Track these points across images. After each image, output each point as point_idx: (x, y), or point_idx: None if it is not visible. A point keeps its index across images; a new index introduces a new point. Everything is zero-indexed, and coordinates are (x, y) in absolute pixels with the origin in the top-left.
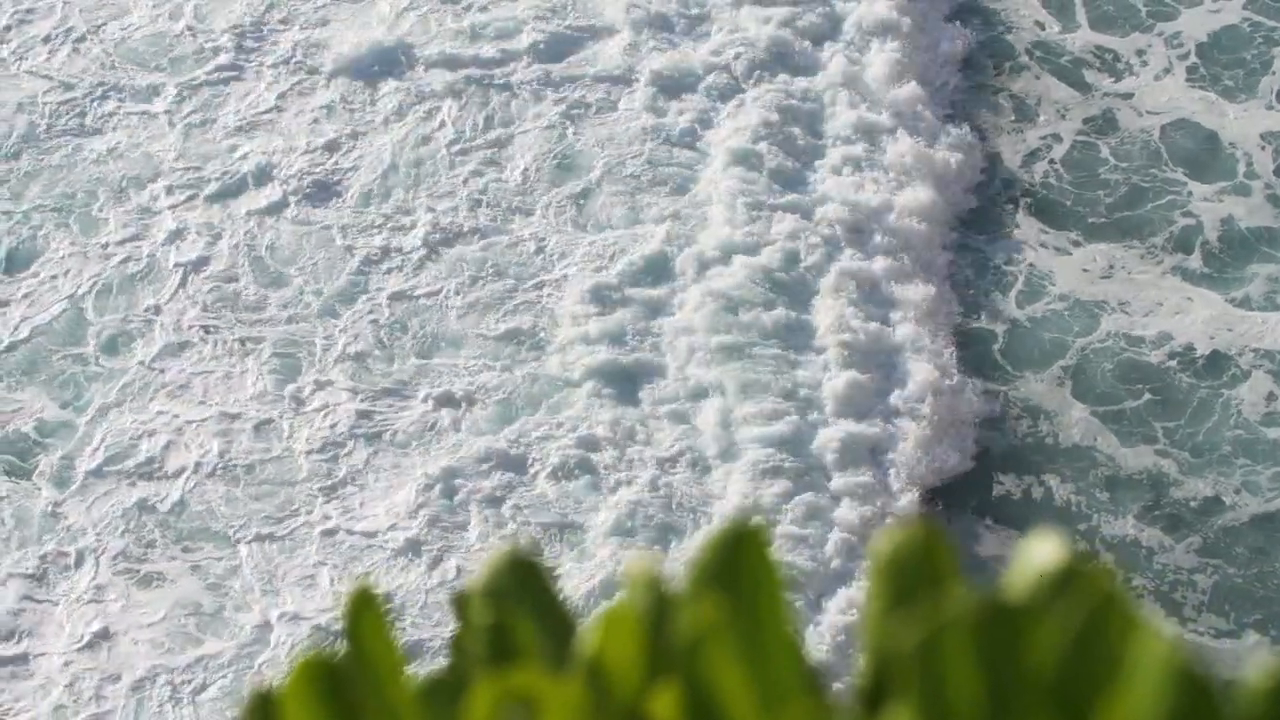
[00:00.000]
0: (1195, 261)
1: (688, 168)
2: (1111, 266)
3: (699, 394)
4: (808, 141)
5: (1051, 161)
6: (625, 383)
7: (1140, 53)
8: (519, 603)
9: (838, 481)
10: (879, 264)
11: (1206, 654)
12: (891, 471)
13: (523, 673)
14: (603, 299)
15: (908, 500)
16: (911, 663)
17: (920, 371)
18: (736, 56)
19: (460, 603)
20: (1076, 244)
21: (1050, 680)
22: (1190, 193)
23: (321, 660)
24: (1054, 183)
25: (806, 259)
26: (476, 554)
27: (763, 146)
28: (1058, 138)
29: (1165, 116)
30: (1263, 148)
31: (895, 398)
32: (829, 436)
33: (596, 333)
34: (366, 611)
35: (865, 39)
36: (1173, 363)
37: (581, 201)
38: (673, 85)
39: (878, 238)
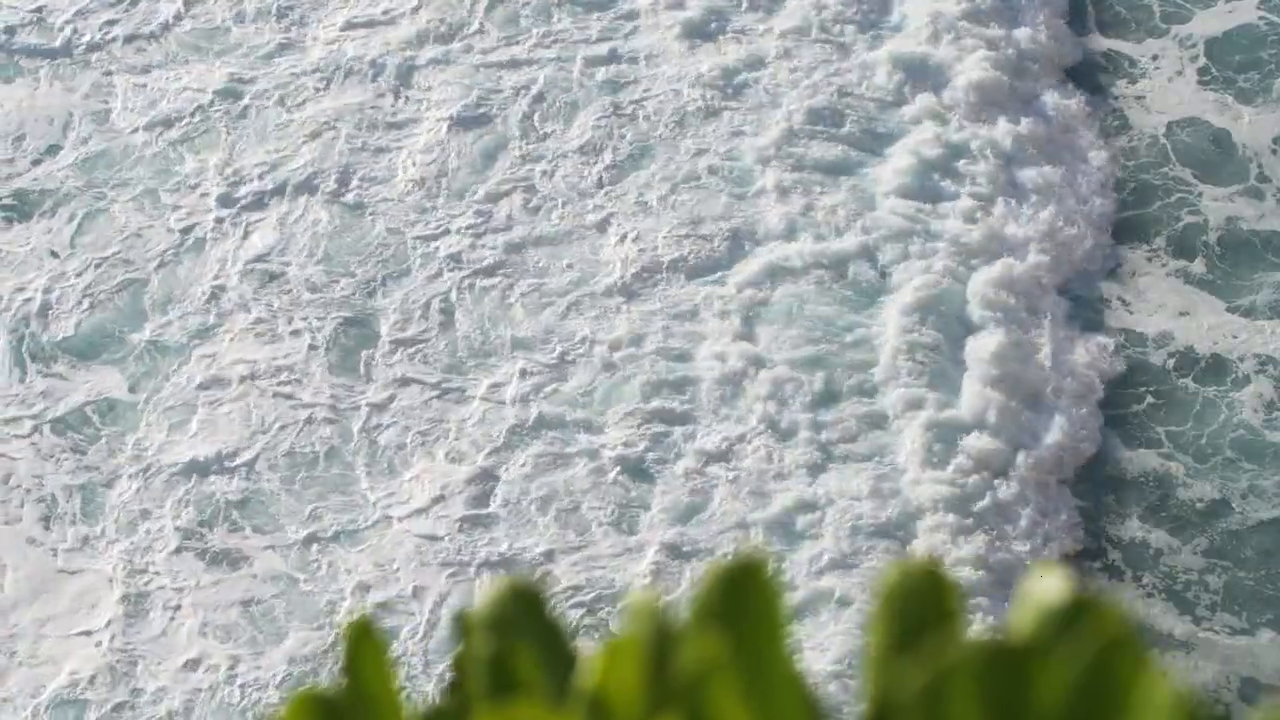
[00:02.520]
0: (1200, 265)
1: (749, 163)
2: (1119, 268)
3: (759, 389)
4: (872, 137)
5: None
6: (682, 377)
7: (1155, 57)
8: (521, 634)
9: (909, 478)
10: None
11: (1221, 653)
12: (973, 470)
13: (524, 705)
14: (659, 292)
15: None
16: (916, 707)
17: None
18: (797, 48)
19: (462, 629)
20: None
21: None
22: (1200, 193)
23: (318, 693)
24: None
25: (871, 256)
26: (531, 545)
27: (823, 142)
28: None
29: (1176, 118)
30: (1274, 151)
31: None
32: (900, 437)
33: (652, 325)
34: (364, 643)
35: (932, 35)
36: (1174, 364)
37: (640, 193)
38: (730, 78)
39: (950, 229)
